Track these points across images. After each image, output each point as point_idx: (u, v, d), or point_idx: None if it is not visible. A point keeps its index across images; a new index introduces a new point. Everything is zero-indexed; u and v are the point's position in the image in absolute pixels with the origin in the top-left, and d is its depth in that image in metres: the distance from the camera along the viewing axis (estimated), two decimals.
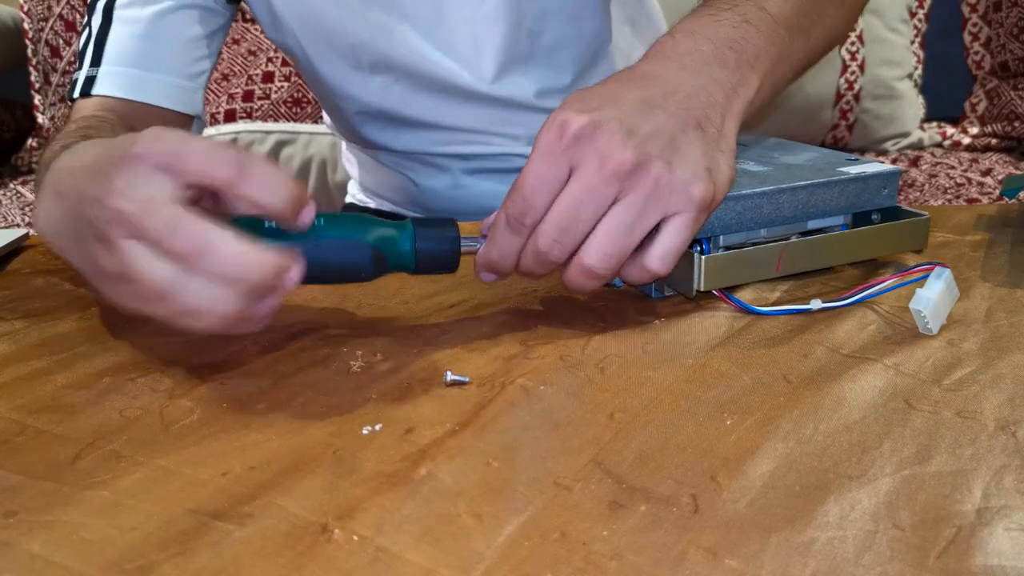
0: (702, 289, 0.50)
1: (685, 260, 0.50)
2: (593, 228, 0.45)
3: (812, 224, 0.55)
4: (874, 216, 0.57)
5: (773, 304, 0.51)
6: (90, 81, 0.73)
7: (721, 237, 0.52)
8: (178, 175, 0.39)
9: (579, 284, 0.47)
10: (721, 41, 0.52)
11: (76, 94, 0.73)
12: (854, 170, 0.55)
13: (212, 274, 0.38)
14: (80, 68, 0.74)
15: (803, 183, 0.53)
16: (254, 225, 0.42)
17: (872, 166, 0.56)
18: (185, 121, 0.78)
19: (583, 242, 0.45)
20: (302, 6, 0.79)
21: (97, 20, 0.74)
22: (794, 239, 0.54)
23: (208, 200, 0.41)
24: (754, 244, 0.53)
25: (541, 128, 0.46)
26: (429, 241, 0.47)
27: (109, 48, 0.73)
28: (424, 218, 0.48)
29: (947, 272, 0.48)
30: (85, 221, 0.41)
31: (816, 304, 0.50)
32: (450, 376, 0.43)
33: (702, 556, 0.29)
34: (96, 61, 0.73)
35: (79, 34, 0.76)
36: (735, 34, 0.52)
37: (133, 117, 0.72)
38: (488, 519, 0.32)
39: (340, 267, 0.45)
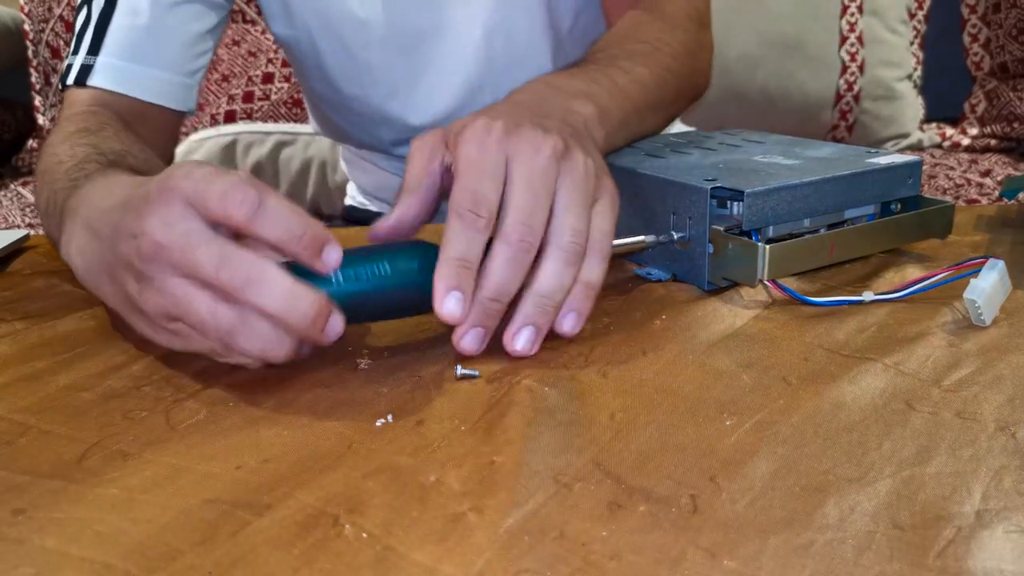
0: (765, 279, 0.51)
1: (746, 250, 0.50)
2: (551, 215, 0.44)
3: (848, 214, 0.56)
4: (893, 206, 0.58)
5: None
6: (86, 70, 0.71)
7: (771, 228, 0.53)
8: (203, 213, 0.39)
9: (558, 280, 0.44)
10: (573, 88, 0.56)
11: (70, 80, 0.71)
12: (883, 160, 0.57)
13: (263, 311, 0.39)
14: (76, 52, 0.72)
15: (844, 173, 0.55)
16: (300, 275, 0.41)
17: (897, 157, 0.58)
18: (178, 118, 0.77)
19: (547, 231, 0.44)
20: None
21: (99, 3, 0.72)
22: (822, 231, 0.55)
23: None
24: (793, 236, 0.54)
25: (463, 134, 0.45)
26: None
27: (110, 37, 0.71)
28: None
29: (1000, 264, 0.48)
30: (122, 259, 0.41)
31: (868, 296, 0.50)
32: (460, 370, 0.43)
33: (701, 557, 0.29)
34: (94, 49, 0.71)
35: (76, 12, 0.74)
36: (586, 87, 0.57)
37: (128, 112, 0.71)
38: (489, 512, 0.32)
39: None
